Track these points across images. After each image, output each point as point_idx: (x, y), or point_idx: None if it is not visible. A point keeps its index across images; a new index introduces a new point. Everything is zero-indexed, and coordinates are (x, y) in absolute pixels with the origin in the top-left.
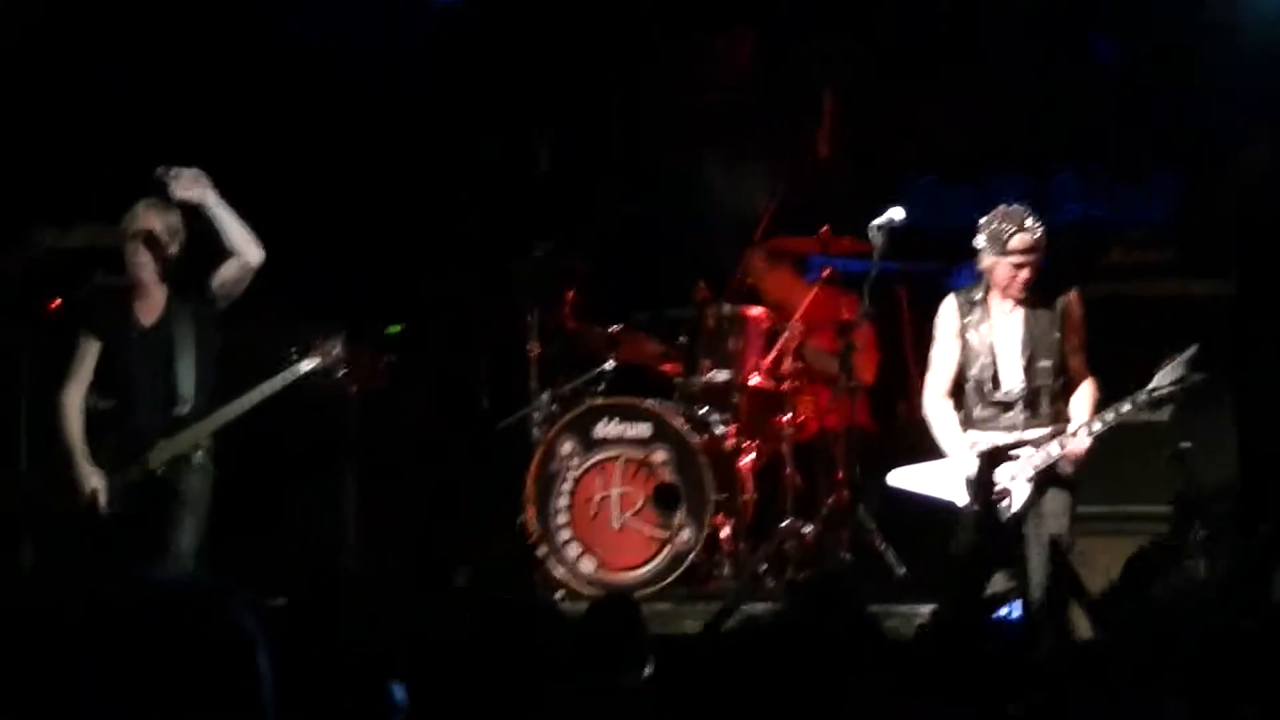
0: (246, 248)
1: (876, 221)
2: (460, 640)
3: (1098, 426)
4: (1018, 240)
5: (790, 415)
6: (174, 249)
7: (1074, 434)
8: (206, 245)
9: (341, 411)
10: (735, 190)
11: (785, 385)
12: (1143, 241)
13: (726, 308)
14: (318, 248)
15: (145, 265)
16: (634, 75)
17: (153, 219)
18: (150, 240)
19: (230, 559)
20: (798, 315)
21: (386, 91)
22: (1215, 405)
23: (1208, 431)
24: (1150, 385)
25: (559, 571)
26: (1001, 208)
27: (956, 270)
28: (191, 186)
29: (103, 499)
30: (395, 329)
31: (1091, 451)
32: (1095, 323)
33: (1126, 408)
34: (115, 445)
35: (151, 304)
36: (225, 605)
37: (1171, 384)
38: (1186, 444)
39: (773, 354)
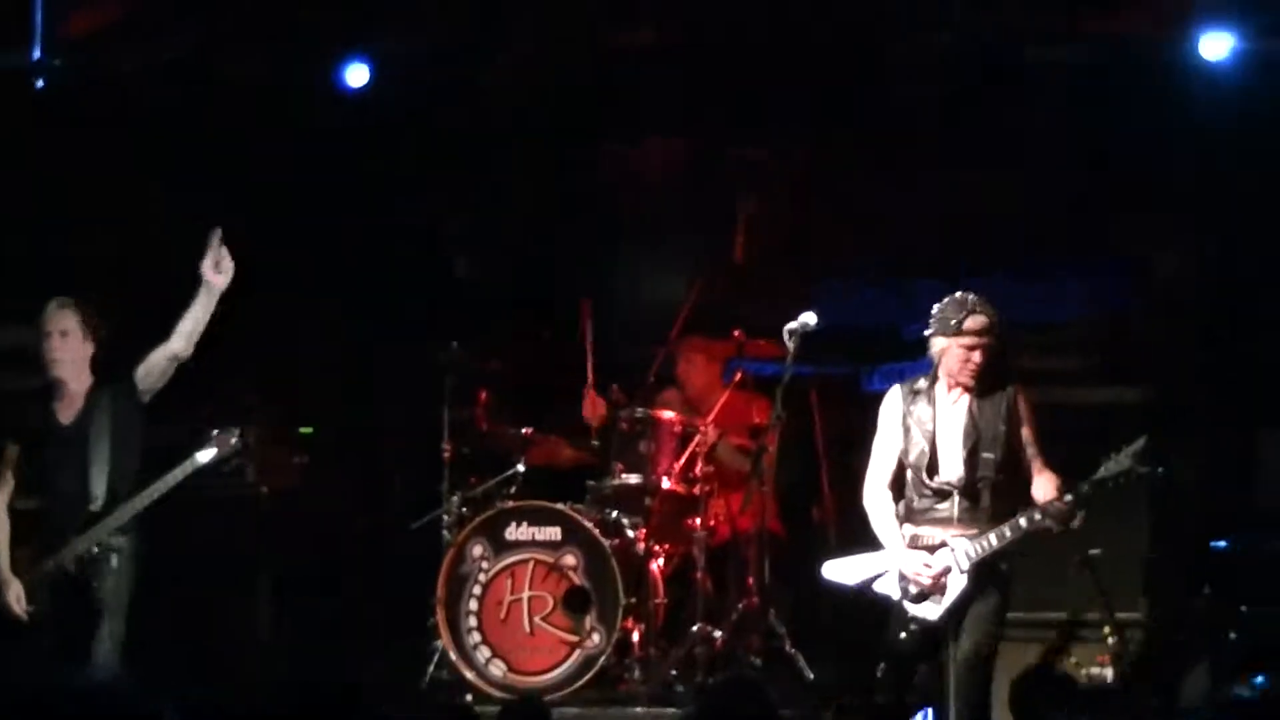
0: (187, 341)
1: (790, 325)
2: None
3: (1068, 499)
4: (971, 322)
5: (701, 519)
6: (90, 345)
7: (1047, 507)
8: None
9: (253, 512)
10: (652, 291)
11: (697, 489)
12: (1055, 348)
13: (640, 411)
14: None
15: (62, 363)
16: (556, 174)
17: (67, 317)
18: (66, 338)
19: (150, 660)
20: (710, 418)
21: (295, 177)
22: (1124, 512)
23: (1116, 538)
24: (1098, 475)
25: (468, 674)
26: (955, 294)
27: (869, 373)
28: (222, 274)
29: (17, 603)
30: (308, 430)
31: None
32: None
33: (1084, 489)
34: (37, 544)
35: (69, 401)
36: (145, 704)
37: (1120, 473)
38: (1095, 551)
39: (685, 457)
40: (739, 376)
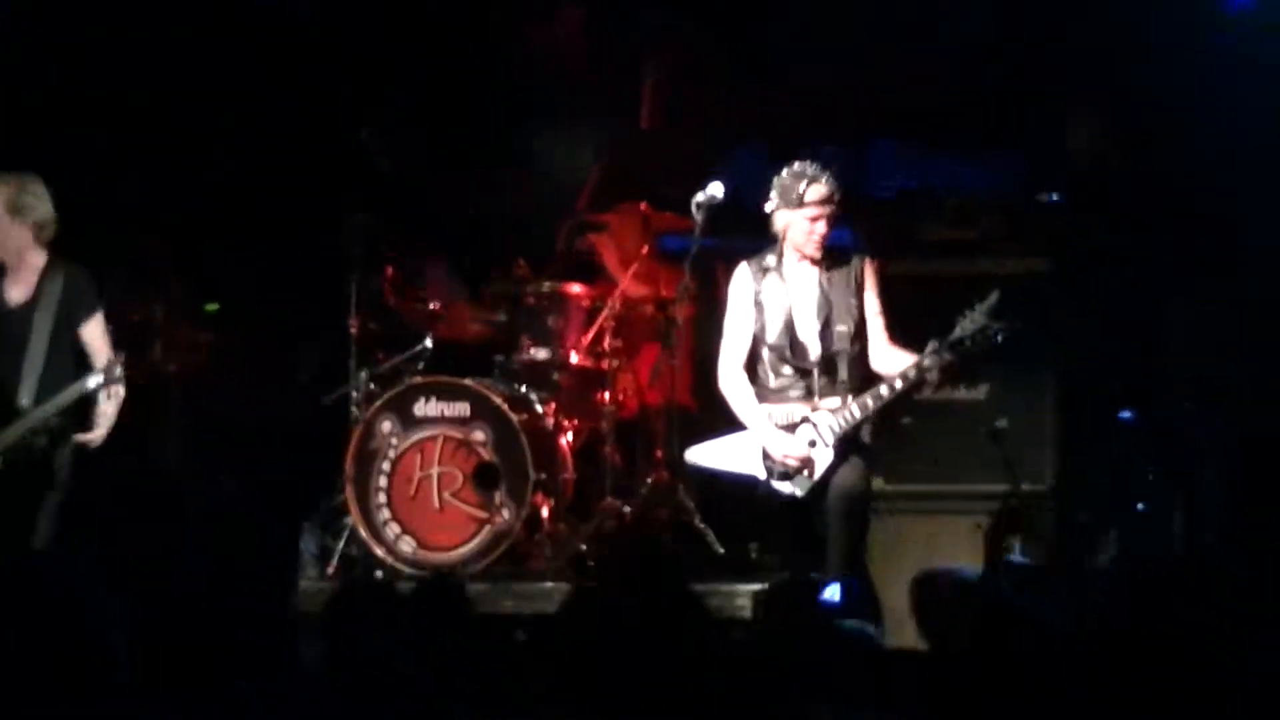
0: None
1: (697, 197)
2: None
3: (926, 363)
4: (812, 192)
5: (610, 393)
6: (29, 223)
7: (907, 373)
8: None
9: (162, 391)
10: (558, 163)
11: (605, 363)
12: (959, 216)
13: (546, 285)
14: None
15: (3, 244)
16: (460, 46)
17: None
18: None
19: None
20: (618, 292)
21: (211, 71)
22: (1032, 383)
23: (1024, 410)
24: (953, 335)
25: (378, 550)
26: (794, 163)
27: None
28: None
29: None
30: (213, 306)
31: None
32: (908, 299)
33: (931, 358)
34: None
35: (20, 281)
36: (78, 583)
37: (975, 331)
38: (1002, 422)
39: (593, 331)
40: (645, 249)
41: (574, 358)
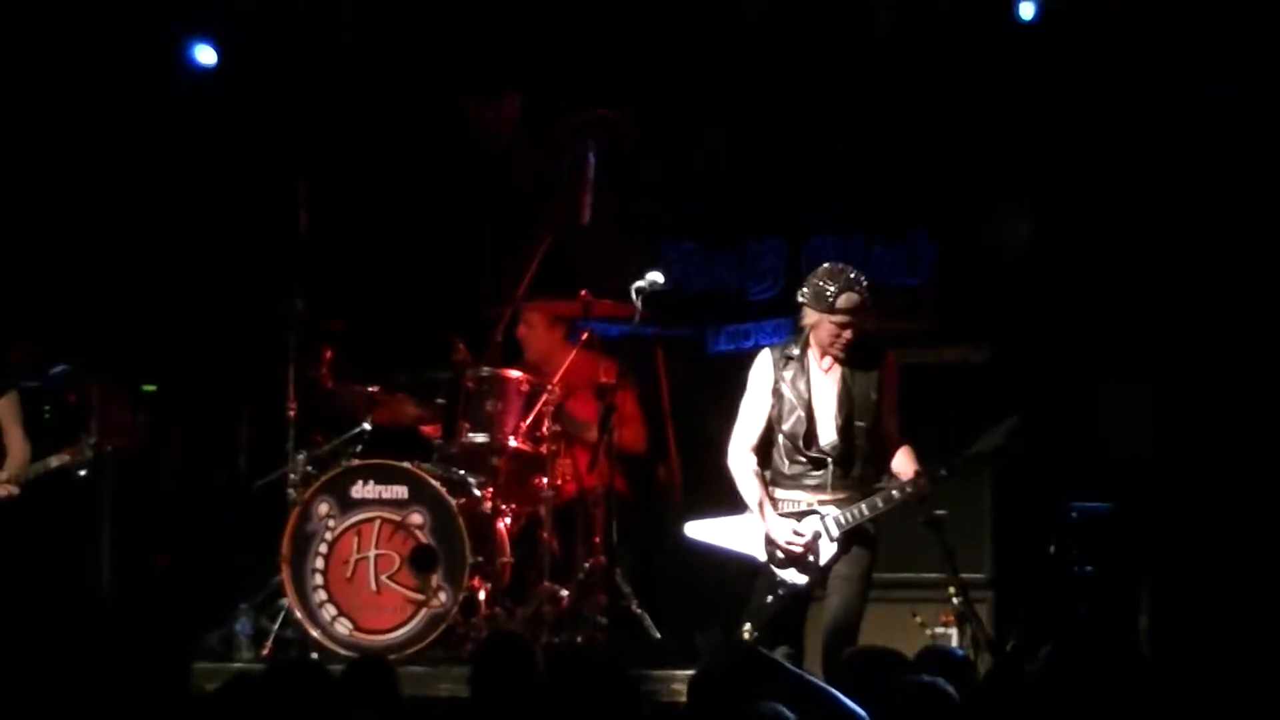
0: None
1: (636, 285)
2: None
3: (943, 473)
4: (844, 300)
5: (548, 478)
6: None
7: (918, 480)
8: None
9: (96, 469)
10: (498, 252)
11: (544, 448)
12: (898, 309)
13: (485, 370)
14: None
15: None
16: (402, 136)
17: None
18: None
19: None
20: (557, 378)
21: (144, 139)
22: (971, 473)
23: (963, 500)
24: (973, 450)
25: (314, 632)
26: (828, 265)
27: (714, 334)
28: None
29: None
30: (151, 387)
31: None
32: None
33: (958, 464)
34: None
35: None
36: None
37: (994, 449)
38: (941, 511)
39: (531, 416)
40: (585, 336)
41: (512, 442)
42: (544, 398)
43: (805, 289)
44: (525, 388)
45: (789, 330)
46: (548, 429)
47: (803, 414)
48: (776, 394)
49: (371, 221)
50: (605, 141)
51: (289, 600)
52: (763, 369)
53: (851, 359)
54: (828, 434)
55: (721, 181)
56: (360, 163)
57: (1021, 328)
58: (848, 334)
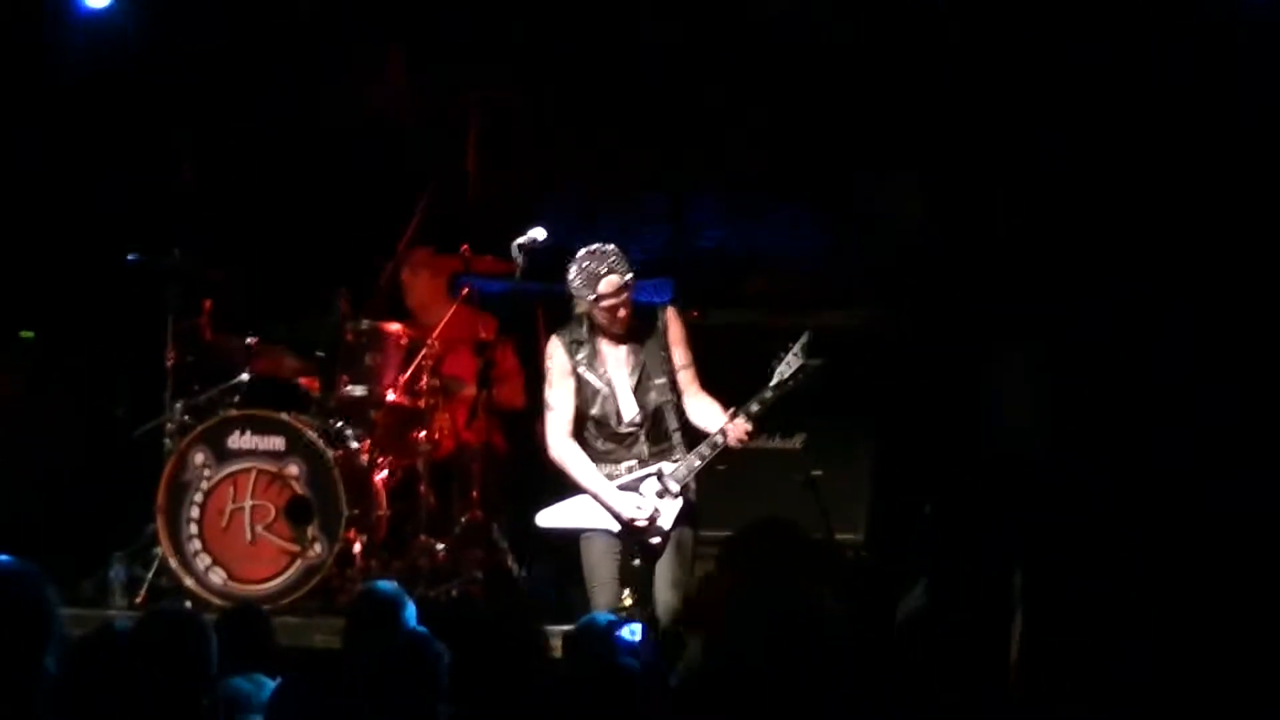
0: None
1: (519, 240)
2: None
3: (755, 408)
4: (606, 285)
5: (426, 432)
6: None
7: (731, 422)
8: None
9: None
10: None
11: (422, 402)
12: (782, 271)
13: (365, 323)
14: None
15: None
16: (285, 84)
17: None
18: None
19: None
20: (436, 333)
21: (32, 86)
22: (849, 435)
23: (841, 460)
24: (774, 378)
25: (188, 581)
26: (584, 250)
27: None
28: None
29: None
30: (28, 334)
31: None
32: (728, 349)
33: (768, 395)
34: None
35: None
36: None
37: (795, 371)
38: (818, 471)
39: (410, 370)
40: (465, 291)
41: (391, 396)
42: (423, 352)
43: (569, 279)
44: (404, 341)
45: (670, 289)
46: (426, 383)
47: (606, 393)
48: (578, 379)
49: (255, 171)
50: (491, 93)
51: (163, 549)
52: (558, 357)
53: (634, 328)
54: (630, 409)
55: (605, 136)
56: (245, 111)
57: (905, 292)
58: (622, 312)
